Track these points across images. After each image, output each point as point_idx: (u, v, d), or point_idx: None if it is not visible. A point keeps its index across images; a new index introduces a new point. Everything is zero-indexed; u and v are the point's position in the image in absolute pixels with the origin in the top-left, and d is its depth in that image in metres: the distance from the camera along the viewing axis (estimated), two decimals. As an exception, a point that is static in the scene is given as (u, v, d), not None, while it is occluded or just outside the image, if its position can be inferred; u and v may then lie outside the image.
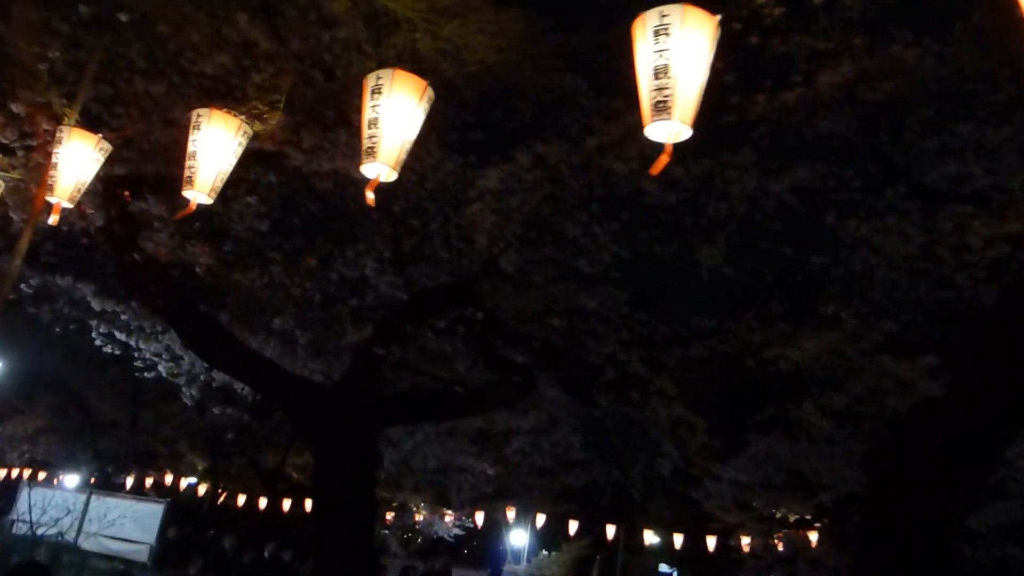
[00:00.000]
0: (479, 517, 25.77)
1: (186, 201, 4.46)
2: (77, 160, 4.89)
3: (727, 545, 22.65)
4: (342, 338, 7.95)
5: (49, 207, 5.21)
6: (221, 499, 28.59)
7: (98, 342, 11.53)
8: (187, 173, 4.21)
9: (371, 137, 3.67)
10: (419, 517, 27.20)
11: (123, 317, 10.93)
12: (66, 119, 5.07)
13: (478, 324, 7.37)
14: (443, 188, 6.94)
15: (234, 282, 7.70)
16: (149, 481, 30.14)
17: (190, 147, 4.24)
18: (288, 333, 8.04)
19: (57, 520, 11.03)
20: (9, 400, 17.38)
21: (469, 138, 6.17)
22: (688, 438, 13.65)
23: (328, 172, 6.13)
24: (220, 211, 7.32)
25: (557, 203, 6.55)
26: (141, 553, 11.68)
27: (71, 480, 28.55)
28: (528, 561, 23.75)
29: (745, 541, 22.79)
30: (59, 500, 11.75)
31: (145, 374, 11.74)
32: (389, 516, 26.46)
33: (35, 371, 17.87)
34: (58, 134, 4.90)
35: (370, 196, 3.85)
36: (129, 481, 28.77)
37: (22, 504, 12.32)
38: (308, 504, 27.45)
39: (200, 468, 29.90)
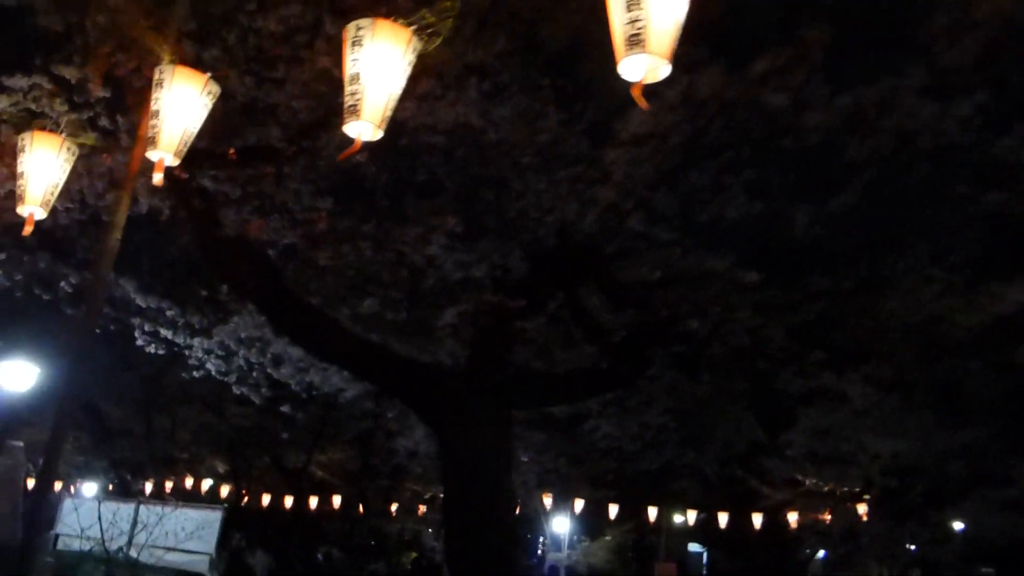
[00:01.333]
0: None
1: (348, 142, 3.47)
2: (182, 106, 4.05)
3: (775, 522, 22.07)
4: (438, 318, 7.15)
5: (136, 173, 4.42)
6: (244, 500, 27.92)
7: (140, 342, 10.72)
8: (349, 102, 3.35)
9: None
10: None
11: (168, 313, 10.12)
12: (166, 56, 4.22)
13: (590, 297, 6.60)
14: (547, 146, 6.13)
15: (317, 262, 6.86)
16: (168, 485, 29.39)
17: (349, 69, 3.39)
18: (375, 316, 7.23)
19: (108, 533, 10.20)
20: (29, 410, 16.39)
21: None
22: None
23: (447, 125, 5.32)
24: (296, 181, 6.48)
25: (689, 150, 5.78)
26: (201, 564, 10.95)
27: (88, 489, 27.79)
28: (571, 549, 23.11)
29: (793, 518, 22.23)
30: (103, 511, 10.87)
31: (194, 373, 10.93)
32: (422, 508, 25.76)
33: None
34: (157, 75, 4.05)
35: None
36: (148, 487, 28.02)
37: (66, 517, 11.51)
38: (336, 501, 26.77)
39: (222, 471, 29.18)
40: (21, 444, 10.26)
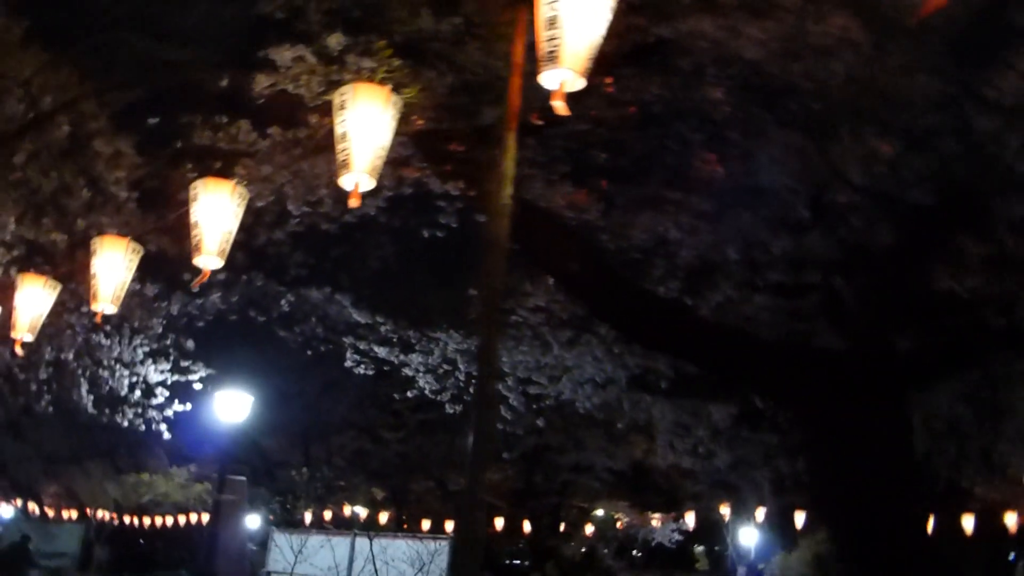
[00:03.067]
0: (690, 518, 23.68)
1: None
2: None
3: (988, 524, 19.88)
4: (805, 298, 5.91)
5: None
6: (404, 527, 27.53)
7: (349, 363, 10.09)
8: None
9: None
10: (620, 525, 25.30)
11: (382, 329, 9.43)
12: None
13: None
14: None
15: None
16: (328, 515, 29.31)
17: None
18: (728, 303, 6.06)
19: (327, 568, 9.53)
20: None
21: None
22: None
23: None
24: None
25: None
26: (432, 598, 10.21)
27: (252, 520, 27.92)
28: (765, 562, 21.48)
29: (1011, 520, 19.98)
30: (313, 544, 10.21)
31: (407, 393, 10.21)
32: (589, 528, 24.67)
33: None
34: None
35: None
36: (308, 516, 27.97)
37: (278, 552, 10.96)
38: (498, 522, 25.99)
39: (379, 497, 28.91)
40: (244, 479, 9.74)
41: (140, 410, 9.57)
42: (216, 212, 4.49)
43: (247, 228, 8.10)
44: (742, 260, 6.21)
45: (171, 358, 9.18)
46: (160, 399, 9.51)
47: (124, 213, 8.14)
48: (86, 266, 8.72)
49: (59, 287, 6.21)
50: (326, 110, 6.19)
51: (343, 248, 8.46)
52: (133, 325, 9.18)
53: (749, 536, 21.98)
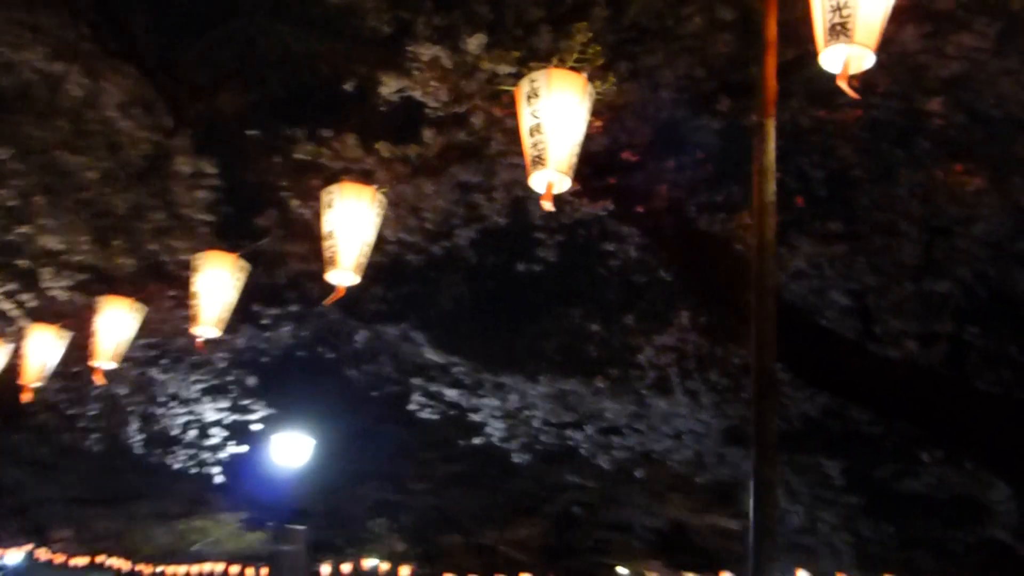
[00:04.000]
0: (728, 581, 22.60)
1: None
2: None
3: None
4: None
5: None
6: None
7: (413, 406, 9.47)
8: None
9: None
10: (656, 586, 24.21)
11: (454, 370, 8.84)
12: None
13: None
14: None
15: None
16: (346, 567, 28.33)
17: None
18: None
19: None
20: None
21: None
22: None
23: None
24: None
25: None
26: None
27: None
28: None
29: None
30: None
31: (472, 440, 9.56)
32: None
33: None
34: None
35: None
36: (326, 569, 26.98)
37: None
38: (526, 581, 24.91)
39: (400, 550, 27.91)
40: (304, 528, 9.06)
41: (194, 451, 8.95)
42: (353, 221, 4.05)
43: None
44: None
45: (232, 396, 8.59)
46: (216, 439, 8.90)
47: (196, 237, 7.66)
48: (153, 293, 8.20)
49: (144, 310, 5.70)
50: (443, 125, 5.75)
51: (425, 282, 7.94)
52: (192, 359, 8.62)
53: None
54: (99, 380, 5.75)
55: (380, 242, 7.53)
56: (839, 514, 11.16)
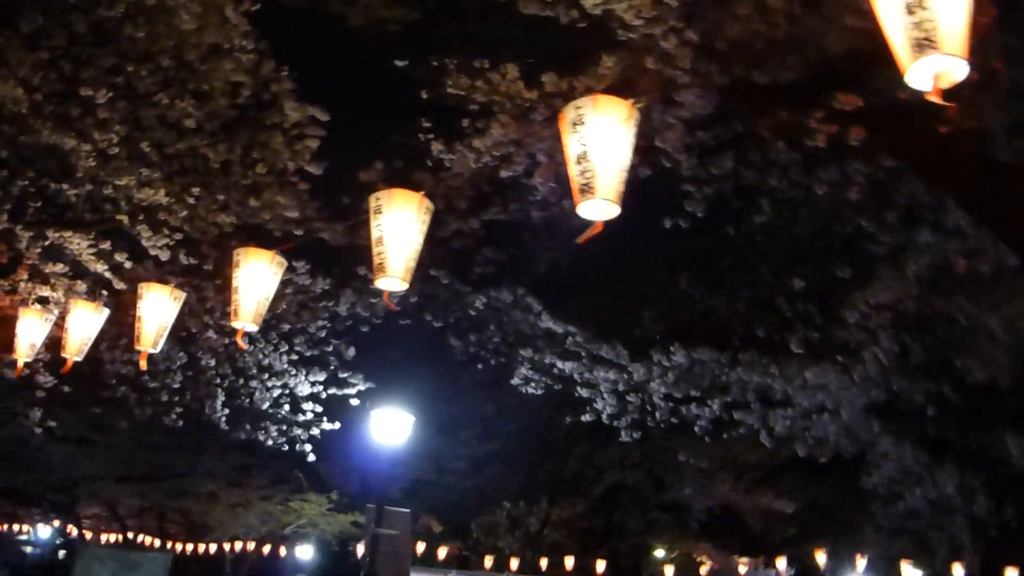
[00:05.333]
0: (781, 563, 22.06)
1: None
2: None
3: None
4: None
5: None
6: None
7: (517, 380, 8.78)
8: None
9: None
10: (704, 569, 23.69)
11: (570, 340, 8.14)
12: None
13: None
14: None
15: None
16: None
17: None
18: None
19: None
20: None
21: None
22: None
23: None
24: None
25: None
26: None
27: (307, 552, 26.48)
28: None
29: None
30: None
31: (581, 417, 8.87)
32: (669, 571, 23.04)
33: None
34: None
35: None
36: (360, 549, 26.37)
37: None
38: (568, 562, 24.39)
39: (436, 530, 27.43)
40: (408, 511, 8.41)
41: (285, 427, 8.28)
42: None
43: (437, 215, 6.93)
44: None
45: (330, 367, 7.90)
46: (309, 415, 8.22)
47: (293, 196, 6.96)
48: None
49: (284, 265, 5.14)
50: (630, 50, 4.99)
51: (547, 243, 7.24)
52: (284, 328, 7.94)
53: (858, 585, 20.27)
54: (241, 344, 5.30)
55: (499, 196, 6.89)
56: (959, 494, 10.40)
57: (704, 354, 7.42)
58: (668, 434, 20.60)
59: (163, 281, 6.23)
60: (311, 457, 8.32)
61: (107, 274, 6.69)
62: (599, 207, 3.35)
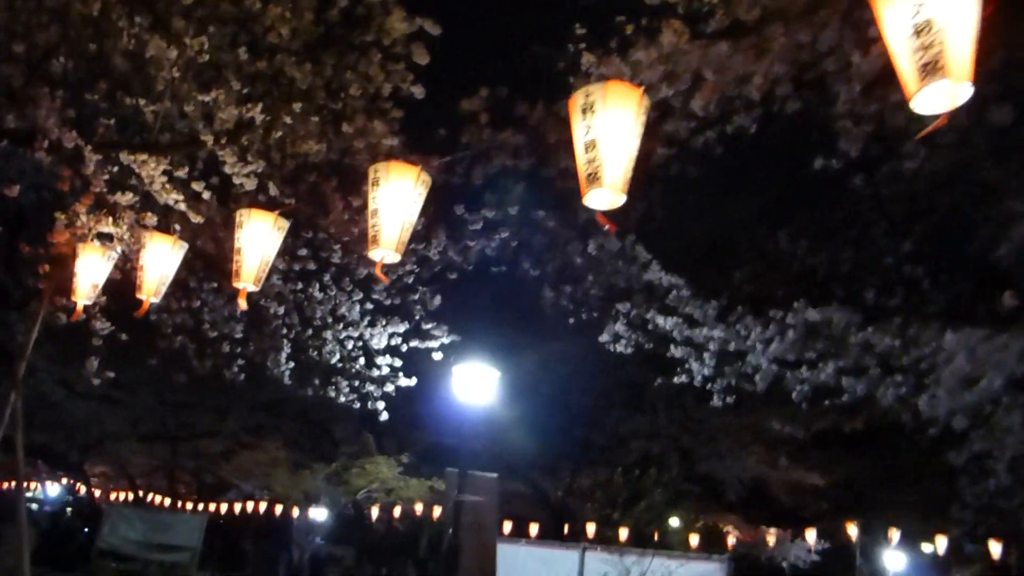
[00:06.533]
0: (811, 536, 21.62)
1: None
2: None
3: None
4: None
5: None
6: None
7: (606, 337, 8.08)
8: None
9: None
10: (732, 539, 23.23)
11: (674, 295, 7.44)
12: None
13: None
14: None
15: None
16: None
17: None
18: None
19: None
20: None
21: None
22: None
23: None
24: None
25: None
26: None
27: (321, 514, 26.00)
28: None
29: None
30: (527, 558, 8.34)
31: (676, 378, 8.19)
32: (694, 541, 22.56)
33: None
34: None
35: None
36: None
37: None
38: (590, 529, 23.89)
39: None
40: (494, 476, 7.75)
41: (357, 383, 7.58)
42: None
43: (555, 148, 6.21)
44: None
45: (414, 317, 7.19)
46: (385, 370, 7.51)
47: (386, 124, 6.21)
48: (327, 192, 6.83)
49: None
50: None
51: (668, 185, 6.50)
52: (360, 274, 7.22)
53: (894, 560, 19.83)
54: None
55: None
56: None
57: (835, 314, 6.74)
58: (700, 402, 20.04)
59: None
60: (384, 416, 7.62)
61: (180, 205, 5.93)
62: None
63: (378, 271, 4.24)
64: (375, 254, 4.06)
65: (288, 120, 5.75)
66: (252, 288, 4.90)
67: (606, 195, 3.34)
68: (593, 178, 3.30)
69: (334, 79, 6.07)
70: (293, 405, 18.52)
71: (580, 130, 3.37)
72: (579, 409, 20.85)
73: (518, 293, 7.65)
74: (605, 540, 23.19)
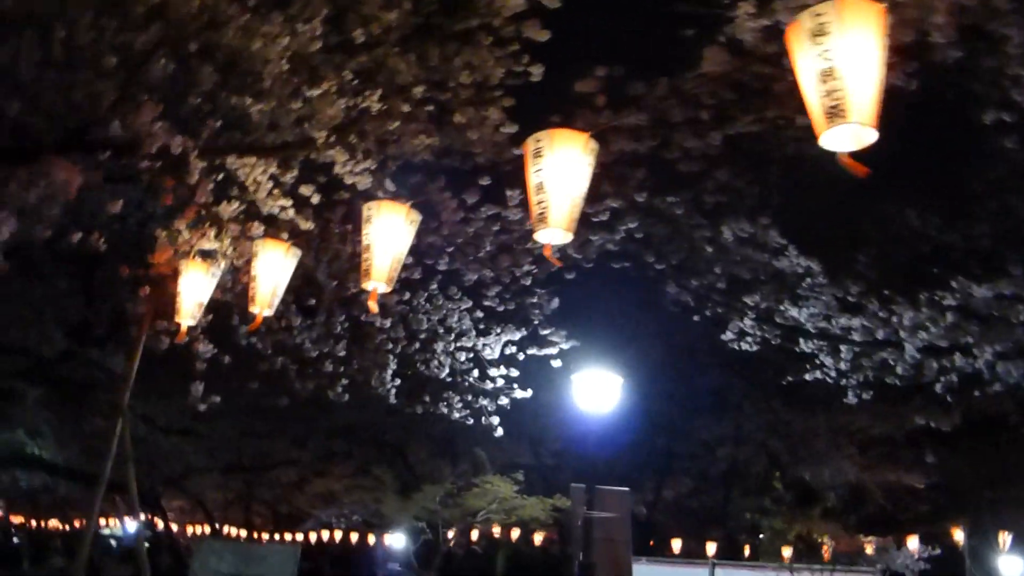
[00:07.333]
0: (913, 543, 20.51)
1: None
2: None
3: None
4: None
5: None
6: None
7: (730, 334, 7.48)
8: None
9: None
10: (827, 549, 22.16)
11: (808, 282, 6.82)
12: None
13: None
14: None
15: None
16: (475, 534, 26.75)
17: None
18: None
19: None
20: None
21: None
22: None
23: None
24: None
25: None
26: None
27: (397, 540, 25.59)
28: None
29: None
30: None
31: (804, 376, 7.55)
32: (787, 552, 21.55)
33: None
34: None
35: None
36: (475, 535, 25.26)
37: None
38: (675, 545, 23.04)
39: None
40: (626, 490, 7.19)
41: (470, 397, 7.10)
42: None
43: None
44: None
45: (531, 323, 6.69)
46: (499, 381, 7.02)
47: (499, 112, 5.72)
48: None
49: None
50: None
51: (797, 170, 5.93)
52: (470, 279, 6.75)
53: (1009, 566, 18.65)
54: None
55: (753, 102, 5.61)
56: None
57: (997, 289, 6.06)
58: (788, 405, 19.12)
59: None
60: (499, 432, 7.12)
61: (287, 212, 5.54)
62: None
63: (547, 253, 4.05)
64: (542, 235, 3.83)
65: (404, 108, 5.33)
66: (384, 288, 4.54)
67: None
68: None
69: (441, 68, 5.64)
70: (363, 430, 18.18)
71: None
72: (660, 417, 20.11)
73: (636, 292, 7.07)
74: (690, 554, 22.37)
